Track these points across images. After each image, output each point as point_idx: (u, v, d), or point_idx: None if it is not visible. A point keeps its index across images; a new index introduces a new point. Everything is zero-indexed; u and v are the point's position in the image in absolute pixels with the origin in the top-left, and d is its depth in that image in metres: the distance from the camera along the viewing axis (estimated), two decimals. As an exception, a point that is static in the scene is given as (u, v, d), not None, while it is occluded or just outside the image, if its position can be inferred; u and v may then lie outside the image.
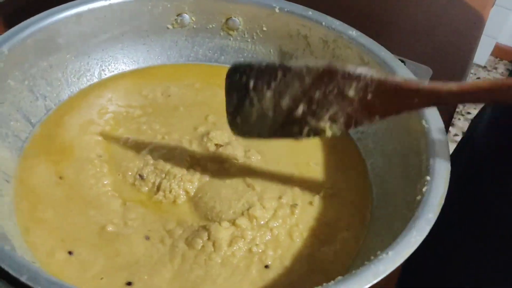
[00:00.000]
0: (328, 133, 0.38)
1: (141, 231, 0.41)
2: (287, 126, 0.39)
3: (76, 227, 0.41)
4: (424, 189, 0.37)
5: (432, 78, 0.73)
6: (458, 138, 1.83)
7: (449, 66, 0.75)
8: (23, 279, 0.27)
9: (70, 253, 0.39)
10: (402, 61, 0.64)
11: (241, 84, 0.39)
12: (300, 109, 0.38)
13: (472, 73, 2.10)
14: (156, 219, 0.42)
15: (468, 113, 1.94)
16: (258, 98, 0.39)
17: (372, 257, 0.32)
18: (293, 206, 0.44)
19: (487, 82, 0.34)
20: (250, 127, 0.41)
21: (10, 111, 0.46)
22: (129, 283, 0.37)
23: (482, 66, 2.13)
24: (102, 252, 0.39)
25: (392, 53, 0.55)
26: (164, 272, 0.38)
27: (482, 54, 2.03)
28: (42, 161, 0.46)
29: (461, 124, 1.89)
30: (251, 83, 0.39)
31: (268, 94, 0.38)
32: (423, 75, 0.70)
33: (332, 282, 0.30)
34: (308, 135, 0.39)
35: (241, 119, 0.41)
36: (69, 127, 0.50)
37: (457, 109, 1.94)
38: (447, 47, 0.79)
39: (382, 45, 0.53)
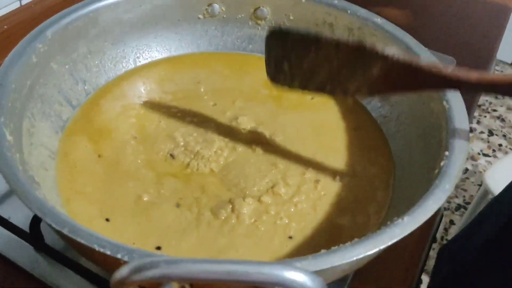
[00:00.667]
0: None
1: (172, 200, 0.44)
2: (318, 84, 0.43)
3: (114, 197, 0.44)
4: (442, 163, 0.39)
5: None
6: (485, 136, 1.80)
7: (472, 59, 0.75)
8: (64, 231, 0.30)
9: (107, 220, 0.42)
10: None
11: (279, 46, 0.44)
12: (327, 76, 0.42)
13: (498, 70, 2.05)
14: (185, 188, 0.45)
15: (494, 110, 1.90)
16: (293, 62, 0.43)
17: (388, 222, 0.34)
18: (316, 181, 0.46)
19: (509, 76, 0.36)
20: (284, 80, 0.45)
21: (53, 93, 0.50)
22: (158, 248, 0.40)
23: (509, 64, 2.09)
24: (136, 219, 0.42)
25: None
26: (191, 238, 0.41)
27: (509, 51, 1.98)
28: (82, 140, 0.50)
29: (487, 121, 1.86)
30: (288, 48, 0.43)
31: (303, 61, 0.42)
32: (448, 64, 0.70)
33: (349, 242, 0.32)
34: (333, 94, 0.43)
35: (277, 71, 0.45)
36: (106, 110, 0.53)
37: (483, 107, 1.91)
38: (471, 40, 0.79)
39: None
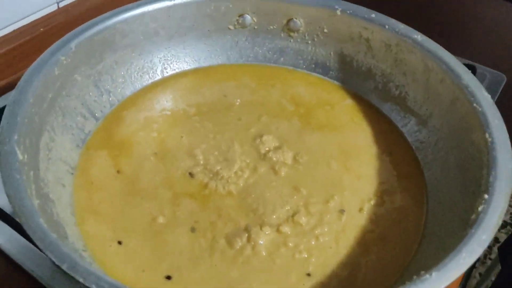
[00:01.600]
0: None
1: (187, 223, 0.42)
2: None
3: (129, 218, 0.43)
4: (480, 208, 0.35)
5: (507, 85, 0.68)
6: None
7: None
8: (63, 267, 0.29)
9: (119, 243, 0.41)
10: (473, 66, 0.61)
11: None
12: None
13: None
14: (202, 210, 0.43)
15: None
16: None
17: (414, 277, 0.30)
18: (341, 212, 0.43)
19: None
20: None
21: (76, 105, 0.49)
22: (168, 277, 0.38)
23: None
24: (149, 243, 0.41)
25: (464, 57, 0.52)
26: (203, 268, 0.39)
27: None
28: (102, 154, 0.49)
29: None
30: None
31: None
32: (496, 82, 0.65)
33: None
34: None
35: None
36: (129, 123, 0.52)
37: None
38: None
39: (453, 49, 0.50)
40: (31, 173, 0.38)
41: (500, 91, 0.67)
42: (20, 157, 0.37)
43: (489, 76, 0.68)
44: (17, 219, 0.32)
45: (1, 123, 0.38)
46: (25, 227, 0.31)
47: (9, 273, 0.44)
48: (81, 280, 0.28)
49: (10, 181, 0.34)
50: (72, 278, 0.42)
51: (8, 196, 0.33)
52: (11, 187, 0.34)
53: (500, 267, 0.66)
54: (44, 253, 0.30)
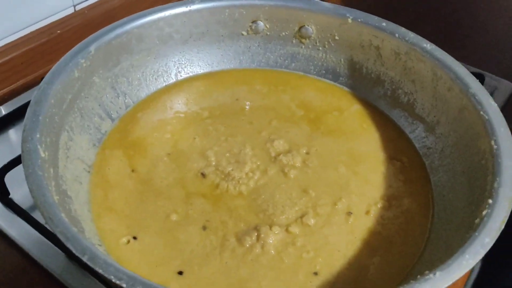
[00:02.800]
0: None
1: (199, 221, 0.43)
2: None
3: (143, 215, 0.45)
4: (484, 212, 0.36)
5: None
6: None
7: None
8: (84, 259, 0.30)
9: (134, 238, 0.43)
10: (481, 75, 0.62)
11: None
12: None
13: None
14: (213, 210, 0.45)
15: None
16: None
17: (418, 276, 0.32)
18: (348, 214, 0.44)
19: None
20: None
21: (94, 106, 0.51)
22: (180, 272, 0.40)
23: None
24: (162, 239, 0.42)
25: (473, 65, 0.53)
26: (213, 264, 0.40)
27: None
28: (117, 154, 0.50)
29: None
30: None
31: None
32: (504, 91, 0.66)
33: (373, 296, 0.30)
34: None
35: None
36: (144, 124, 0.54)
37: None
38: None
39: (462, 57, 0.51)
40: (51, 170, 0.40)
41: (508, 99, 0.68)
42: (42, 154, 0.38)
43: (497, 85, 0.69)
44: (41, 215, 0.34)
45: (24, 122, 0.40)
46: (47, 221, 0.33)
47: (24, 266, 0.46)
48: (100, 271, 0.30)
49: (33, 177, 0.36)
50: (84, 271, 0.44)
51: (31, 191, 0.35)
52: (33, 183, 0.35)
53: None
54: (65, 245, 0.31)
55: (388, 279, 0.39)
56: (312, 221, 0.44)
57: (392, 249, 0.42)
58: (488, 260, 0.33)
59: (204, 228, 0.43)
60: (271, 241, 0.42)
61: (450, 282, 0.31)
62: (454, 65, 0.49)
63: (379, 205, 0.46)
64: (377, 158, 0.51)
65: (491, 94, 0.66)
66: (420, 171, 0.50)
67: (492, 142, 0.41)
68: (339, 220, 0.44)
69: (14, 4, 0.66)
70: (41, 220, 0.48)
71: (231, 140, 0.52)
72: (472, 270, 0.50)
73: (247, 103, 0.57)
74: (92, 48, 0.48)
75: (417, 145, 0.52)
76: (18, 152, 0.50)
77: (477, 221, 0.36)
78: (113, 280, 0.29)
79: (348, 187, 0.47)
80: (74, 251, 0.31)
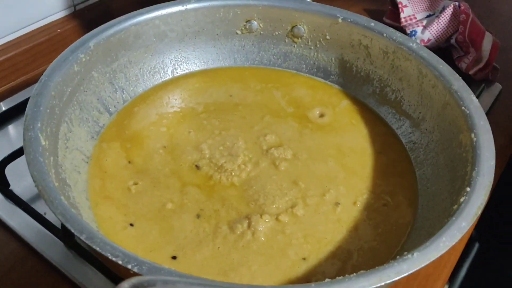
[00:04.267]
0: None
1: (194, 210, 0.45)
2: None
3: (140, 204, 0.46)
4: (462, 199, 0.38)
5: (501, 95, 0.71)
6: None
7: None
8: (82, 237, 0.32)
9: (131, 225, 0.44)
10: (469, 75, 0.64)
11: None
12: None
13: None
14: (207, 199, 0.47)
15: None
16: None
17: (398, 257, 0.34)
18: (336, 204, 0.46)
19: None
20: None
21: (92, 99, 0.52)
22: (174, 257, 0.41)
23: None
24: (158, 226, 0.44)
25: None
26: (206, 250, 0.42)
27: None
28: (115, 146, 0.52)
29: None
30: None
31: None
32: (492, 92, 0.68)
33: (355, 274, 0.32)
34: None
35: None
36: (140, 118, 0.56)
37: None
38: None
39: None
40: (51, 158, 0.42)
41: (495, 99, 0.71)
42: (43, 142, 0.40)
43: (485, 85, 0.71)
44: (42, 198, 0.35)
45: (26, 111, 0.42)
46: (48, 203, 0.35)
47: (24, 255, 0.48)
48: (98, 249, 0.32)
49: (34, 163, 0.38)
50: (83, 260, 0.46)
51: (32, 175, 0.37)
52: (35, 169, 0.37)
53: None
54: (66, 226, 0.33)
55: (373, 264, 0.41)
56: (301, 211, 0.46)
57: (377, 237, 0.44)
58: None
59: (198, 216, 0.45)
60: (261, 229, 0.44)
61: (427, 262, 0.33)
62: (438, 63, 0.52)
63: (365, 196, 0.48)
64: (365, 152, 0.53)
65: (480, 93, 0.68)
66: (406, 165, 0.52)
67: (472, 135, 0.43)
68: (327, 210, 0.46)
69: (15, 3, 0.68)
70: (41, 211, 0.50)
71: (224, 134, 0.53)
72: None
73: (241, 99, 0.59)
74: (91, 43, 0.50)
75: (403, 141, 0.54)
76: (17, 146, 0.53)
77: (455, 207, 0.38)
78: (110, 257, 0.31)
79: (336, 179, 0.49)
80: (73, 231, 0.33)
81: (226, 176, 0.49)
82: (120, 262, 0.31)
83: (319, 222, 0.45)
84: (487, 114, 0.52)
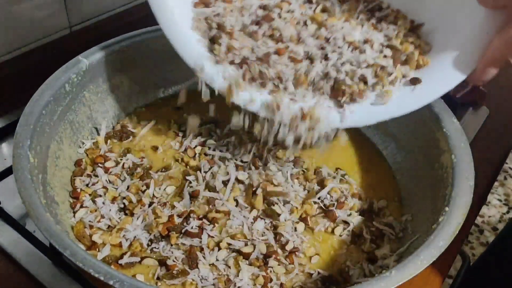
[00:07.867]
0: None
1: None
2: None
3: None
4: (440, 219, 0.39)
5: (489, 119, 0.72)
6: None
7: (508, 106, 0.74)
8: (66, 253, 0.33)
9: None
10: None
11: None
12: None
13: None
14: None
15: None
16: None
17: (376, 275, 0.34)
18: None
19: None
20: None
21: (83, 119, 0.53)
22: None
23: None
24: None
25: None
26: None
27: None
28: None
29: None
30: None
31: None
32: (480, 115, 0.70)
33: (332, 290, 0.32)
34: None
35: None
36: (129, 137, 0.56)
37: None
38: (507, 87, 0.77)
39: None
40: (40, 176, 0.42)
41: (483, 122, 0.72)
42: (32, 160, 0.41)
43: (472, 108, 0.72)
44: (28, 214, 0.36)
45: (16, 130, 0.43)
46: (33, 219, 0.35)
47: (12, 273, 0.47)
48: (80, 265, 0.32)
49: (22, 179, 0.38)
50: (71, 279, 0.46)
51: (19, 191, 0.37)
52: (22, 185, 0.38)
53: None
54: (50, 242, 0.34)
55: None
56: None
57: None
58: None
59: None
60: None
61: (404, 280, 0.33)
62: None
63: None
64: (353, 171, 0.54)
65: (466, 117, 0.70)
66: (391, 186, 0.53)
67: (453, 156, 0.44)
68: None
69: (11, 24, 0.69)
70: (31, 229, 0.50)
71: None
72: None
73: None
74: (83, 64, 0.51)
75: (389, 161, 0.55)
76: (8, 164, 0.53)
77: (434, 226, 0.38)
78: (92, 274, 0.32)
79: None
80: (56, 247, 0.33)
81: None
82: (102, 278, 0.31)
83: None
84: (474, 137, 0.53)
